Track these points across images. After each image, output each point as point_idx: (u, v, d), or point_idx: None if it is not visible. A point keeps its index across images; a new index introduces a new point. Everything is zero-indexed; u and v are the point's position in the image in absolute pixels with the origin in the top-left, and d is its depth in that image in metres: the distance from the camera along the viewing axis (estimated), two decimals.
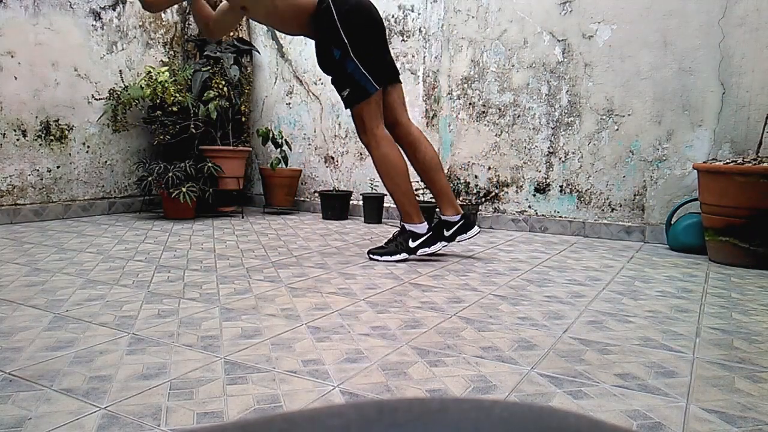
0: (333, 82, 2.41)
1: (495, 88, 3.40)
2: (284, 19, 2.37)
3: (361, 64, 2.29)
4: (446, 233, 2.45)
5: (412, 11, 3.63)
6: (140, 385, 1.12)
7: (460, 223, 2.44)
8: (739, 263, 2.46)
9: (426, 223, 2.45)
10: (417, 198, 3.49)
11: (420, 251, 2.41)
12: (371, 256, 2.43)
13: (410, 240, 2.40)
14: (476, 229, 2.48)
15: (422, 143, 2.46)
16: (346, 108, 2.42)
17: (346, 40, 2.27)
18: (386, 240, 2.52)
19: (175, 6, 4.03)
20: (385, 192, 3.64)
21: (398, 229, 2.49)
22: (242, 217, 3.71)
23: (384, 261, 2.38)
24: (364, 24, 2.35)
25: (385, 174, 2.39)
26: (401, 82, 2.50)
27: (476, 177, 3.50)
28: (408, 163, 2.43)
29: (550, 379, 1.19)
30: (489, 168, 3.46)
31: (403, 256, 2.39)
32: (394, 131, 2.45)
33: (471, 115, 3.49)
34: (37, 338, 1.37)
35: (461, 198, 3.51)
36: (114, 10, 3.63)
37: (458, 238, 2.45)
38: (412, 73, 3.66)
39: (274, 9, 2.32)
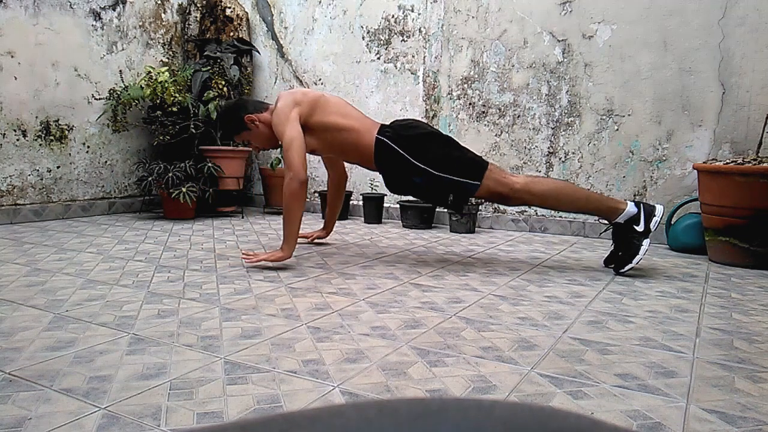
0: (427, 201, 2.44)
1: (495, 88, 3.40)
2: (346, 152, 2.37)
3: (452, 174, 2.19)
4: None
5: (412, 11, 3.63)
6: (140, 385, 1.12)
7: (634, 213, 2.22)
8: (739, 263, 2.46)
9: (627, 201, 2.23)
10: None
11: (653, 226, 2.16)
12: (621, 271, 2.20)
13: (635, 226, 2.18)
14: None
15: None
16: (459, 212, 2.45)
17: (422, 165, 2.19)
18: (616, 249, 2.27)
19: (175, 6, 4.04)
20: (385, 192, 3.64)
21: (611, 229, 2.28)
22: (242, 217, 3.71)
23: (635, 264, 2.16)
24: (423, 139, 2.24)
25: (559, 205, 2.28)
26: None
27: None
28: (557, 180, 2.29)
29: (550, 379, 1.19)
30: None
31: (646, 244, 2.16)
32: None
33: (471, 115, 3.49)
34: (37, 338, 1.37)
35: None
36: (114, 10, 3.63)
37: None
38: (412, 73, 3.66)
39: (337, 144, 2.34)
